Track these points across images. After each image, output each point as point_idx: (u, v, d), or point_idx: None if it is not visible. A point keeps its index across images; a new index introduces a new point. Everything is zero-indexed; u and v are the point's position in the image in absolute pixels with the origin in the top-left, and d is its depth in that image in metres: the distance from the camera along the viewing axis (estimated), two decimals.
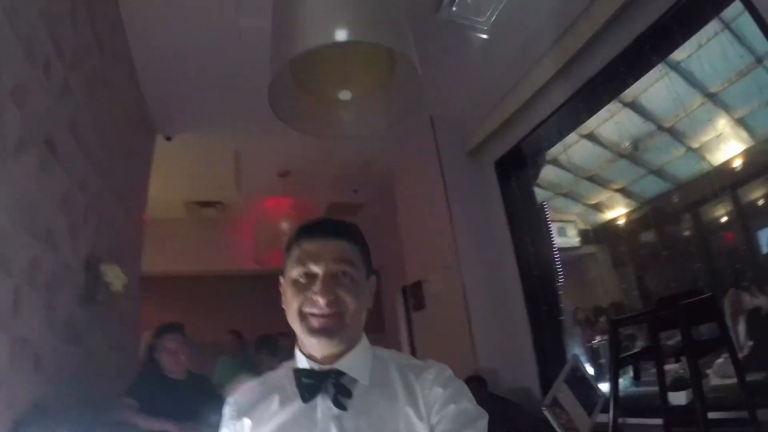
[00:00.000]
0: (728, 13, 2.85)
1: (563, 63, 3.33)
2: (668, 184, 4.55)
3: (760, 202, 3.57)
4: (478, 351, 3.93)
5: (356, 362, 1.06)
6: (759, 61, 2.99)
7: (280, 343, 4.24)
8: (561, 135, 4.03)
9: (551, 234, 4.11)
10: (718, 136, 3.71)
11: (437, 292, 4.53)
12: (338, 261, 1.05)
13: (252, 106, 3.56)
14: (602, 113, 3.91)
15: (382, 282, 6.76)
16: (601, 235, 5.33)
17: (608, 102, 3.65)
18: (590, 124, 4.17)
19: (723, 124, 3.69)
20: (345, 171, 5.47)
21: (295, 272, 1.06)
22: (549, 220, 4.12)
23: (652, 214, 4.70)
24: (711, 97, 3.59)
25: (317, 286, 1.02)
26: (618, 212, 5.03)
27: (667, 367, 2.43)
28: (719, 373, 2.63)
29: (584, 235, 5.21)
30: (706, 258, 3.97)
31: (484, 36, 3.47)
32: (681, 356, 2.33)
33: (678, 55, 3.34)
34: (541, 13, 3.31)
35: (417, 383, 1.05)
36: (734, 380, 2.17)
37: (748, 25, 2.88)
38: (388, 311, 6.91)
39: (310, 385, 1.02)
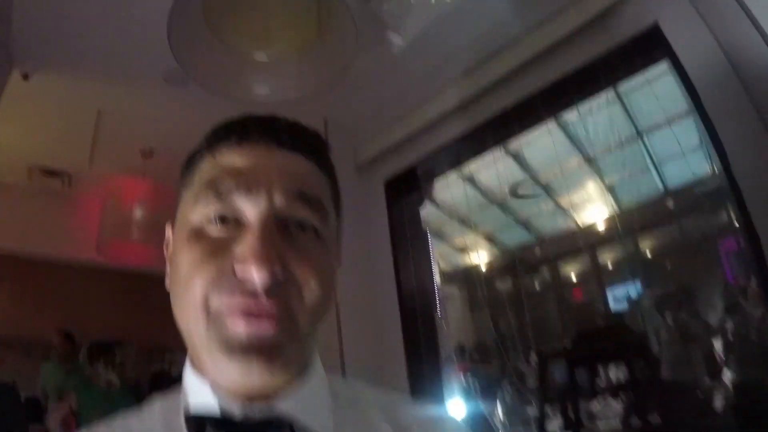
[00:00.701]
0: (623, 86, 3.09)
1: (468, 96, 3.38)
2: (532, 236, 4.82)
3: (610, 266, 3.93)
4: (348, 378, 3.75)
5: (311, 401, 0.54)
6: (639, 135, 3.27)
7: (117, 356, 3.70)
8: (443, 169, 4.10)
9: (433, 265, 4.14)
10: (586, 198, 4.00)
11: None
12: (296, 195, 0.54)
13: (134, 55, 3.23)
14: (486, 159, 4.06)
15: None
16: (462, 278, 5.51)
17: (493, 146, 3.78)
18: (470, 166, 4.31)
19: (593, 187, 3.99)
20: None
21: (198, 212, 0.53)
22: (431, 251, 4.14)
23: (513, 263, 4.94)
24: (589, 161, 3.88)
25: (248, 243, 0.49)
26: (481, 257, 5.24)
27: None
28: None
29: (445, 276, 5.36)
30: (559, 309, 4.23)
31: (401, 43, 3.41)
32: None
33: (567, 115, 3.56)
34: (462, 40, 3.35)
35: (410, 421, 0.60)
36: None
37: (639, 100, 3.18)
38: None
39: None
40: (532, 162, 4.26)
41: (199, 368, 0.53)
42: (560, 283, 4.45)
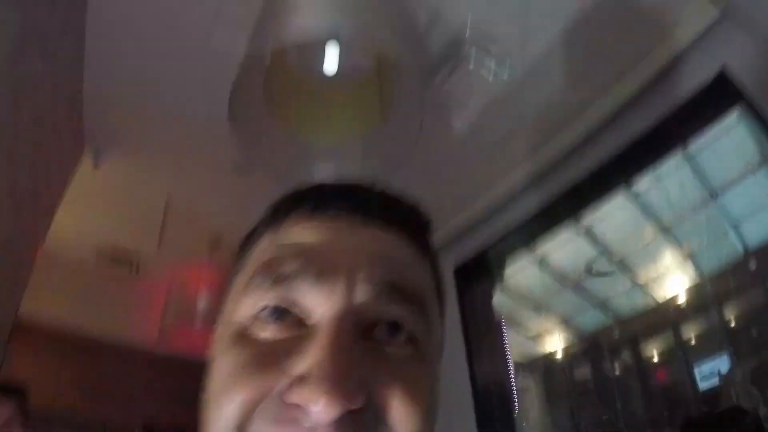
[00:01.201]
0: (692, 146, 3.02)
1: (535, 172, 3.35)
2: (608, 318, 4.58)
3: (694, 341, 3.66)
4: None
5: None
6: (713, 195, 3.15)
7: None
8: (514, 252, 4.02)
9: (508, 354, 3.92)
10: (665, 271, 3.81)
11: None
12: (387, 287, 0.39)
13: (203, 145, 3.33)
14: (558, 239, 3.97)
15: None
16: (535, 367, 5.22)
17: (565, 222, 3.69)
18: (541, 248, 4.22)
19: (670, 258, 3.82)
20: None
21: (249, 305, 0.40)
22: (506, 341, 3.94)
23: (591, 348, 4.67)
24: (664, 230, 3.73)
25: (314, 355, 0.35)
26: (555, 345, 4.98)
27: None
28: None
29: (518, 366, 5.09)
30: (645, 395, 3.91)
31: (462, 125, 3.48)
32: None
33: (638, 185, 3.48)
34: (523, 114, 3.37)
35: None
36: None
37: (709, 158, 3.09)
38: None
39: None
40: (605, 238, 4.14)
41: None
42: (643, 364, 4.13)
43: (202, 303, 4.40)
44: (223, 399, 0.36)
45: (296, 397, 0.33)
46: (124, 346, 5.02)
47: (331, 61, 2.07)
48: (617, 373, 4.28)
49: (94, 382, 4.83)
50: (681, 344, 3.73)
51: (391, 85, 2.25)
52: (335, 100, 2.30)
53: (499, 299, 4.89)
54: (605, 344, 4.53)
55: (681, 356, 3.74)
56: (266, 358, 0.36)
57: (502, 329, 3.96)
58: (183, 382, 5.24)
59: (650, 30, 2.67)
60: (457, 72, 3.07)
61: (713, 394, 3.29)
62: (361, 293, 0.37)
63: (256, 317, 0.39)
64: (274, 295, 0.38)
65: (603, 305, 4.58)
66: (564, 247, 4.21)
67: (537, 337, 5.20)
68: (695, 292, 3.66)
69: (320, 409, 0.32)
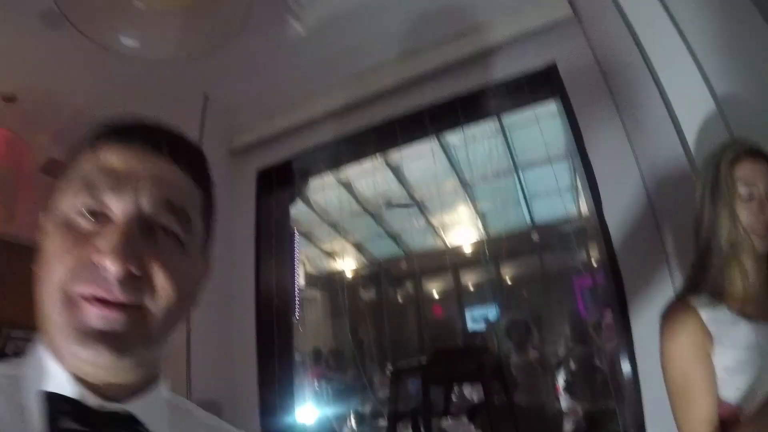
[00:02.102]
0: (508, 120, 3.20)
1: (356, 98, 3.29)
2: (400, 250, 4.88)
3: (471, 287, 4.09)
4: (194, 379, 3.47)
5: (158, 407, 0.58)
6: (515, 168, 3.41)
7: None
8: (320, 169, 4.00)
9: (296, 266, 3.98)
10: (457, 221, 4.11)
11: None
12: (163, 202, 0.55)
13: None
14: (364, 167, 4.03)
15: None
16: (325, 282, 5.44)
17: (374, 154, 3.75)
18: (348, 172, 4.27)
19: (465, 211, 4.12)
20: (80, 123, 4.35)
21: (69, 203, 0.54)
22: (297, 252, 3.98)
23: (378, 273, 4.96)
24: (465, 185, 3.99)
25: (108, 237, 0.51)
26: (347, 265, 5.21)
27: None
28: None
29: (309, 278, 5.26)
30: (419, 324, 4.31)
31: (300, 31, 3.25)
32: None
33: (451, 137, 3.62)
34: (360, 40, 3.27)
35: None
36: None
37: (520, 135, 3.31)
38: None
39: None
40: (410, 177, 4.31)
41: (55, 353, 0.53)
42: (422, 298, 4.55)
43: None
44: (51, 269, 0.52)
45: (97, 262, 0.50)
46: None
47: None
48: (399, 300, 4.63)
49: None
50: (459, 288, 4.13)
51: None
52: None
53: (300, 212, 4.94)
54: (392, 273, 4.84)
55: (456, 298, 4.15)
56: (80, 240, 0.52)
57: (294, 240, 4.02)
58: None
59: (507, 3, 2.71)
60: None
61: (479, 335, 3.74)
62: (144, 204, 0.54)
63: (76, 213, 0.53)
64: (86, 200, 0.53)
65: (396, 238, 4.85)
66: (370, 176, 4.32)
67: (331, 254, 5.38)
68: (480, 246, 4.02)
69: (109, 267, 0.49)
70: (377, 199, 4.74)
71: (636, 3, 1.93)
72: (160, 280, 0.53)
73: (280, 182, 3.92)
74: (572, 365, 3.09)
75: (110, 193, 0.53)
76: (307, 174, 4.00)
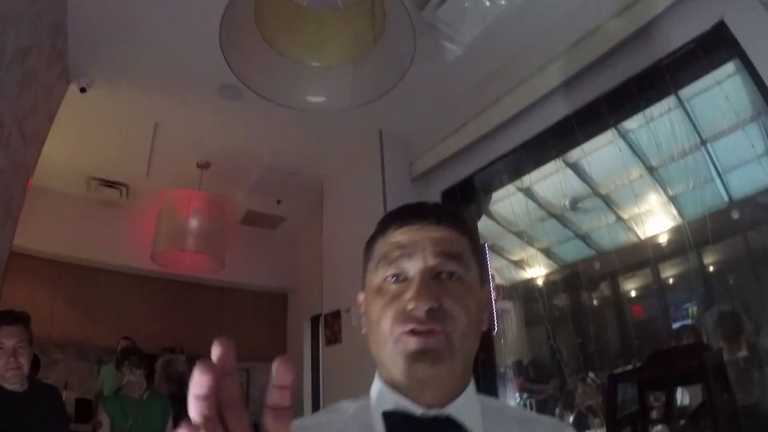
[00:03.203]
0: (685, 92, 2.95)
1: (526, 104, 3.30)
2: (591, 251, 4.66)
3: (671, 280, 3.75)
4: None
5: (470, 409, 0.74)
6: (703, 143, 3.11)
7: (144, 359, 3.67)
8: (501, 181, 4.01)
9: (491, 279, 4.02)
10: (648, 210, 3.83)
11: (359, 325, 4.21)
12: (442, 255, 0.74)
13: (188, 69, 3.36)
14: (543, 169, 3.96)
15: (289, 309, 6.38)
16: (516, 292, 5.38)
17: (555, 157, 3.67)
18: (527, 178, 4.21)
19: (655, 199, 3.82)
20: (271, 176, 4.86)
21: (379, 276, 0.76)
22: (490, 266, 4.02)
23: (571, 277, 4.78)
24: (651, 170, 3.71)
25: (413, 289, 0.71)
26: (537, 272, 5.10)
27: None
28: None
29: (500, 289, 5.24)
30: (619, 326, 4.06)
31: (457, 51, 3.35)
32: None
33: (628, 123, 3.42)
34: (513, 47, 3.28)
35: None
36: None
37: (702, 106, 3.02)
38: (292, 343, 6.16)
39: None
40: (593, 173, 4.13)
41: (387, 381, 0.75)
42: (621, 298, 4.27)
43: (192, 224, 4.44)
44: (380, 322, 0.72)
45: (410, 306, 0.69)
46: (117, 270, 5.10)
47: None
48: (595, 303, 4.41)
49: (88, 308, 4.90)
50: (658, 282, 3.82)
51: (383, 8, 2.19)
52: (327, 23, 2.26)
53: (485, 225, 4.98)
54: (585, 275, 4.64)
55: (657, 294, 3.84)
56: (394, 298, 0.72)
57: (485, 252, 4.04)
58: (172, 301, 5.39)
59: None
60: None
61: (684, 332, 3.41)
62: (429, 260, 0.73)
63: (384, 280, 0.76)
64: (393, 269, 0.75)
65: (585, 237, 4.65)
66: (550, 178, 4.22)
67: (520, 264, 5.32)
68: (676, 233, 3.70)
69: (421, 306, 0.68)
70: (561, 200, 4.61)
71: None
72: (453, 308, 0.70)
73: (464, 199, 4.02)
74: None
75: (405, 260, 0.74)
76: (489, 188, 4.07)
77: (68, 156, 4.23)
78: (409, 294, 0.70)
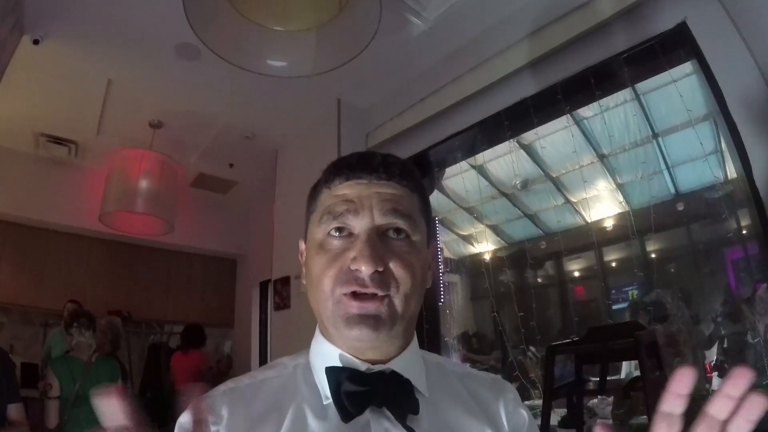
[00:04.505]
0: (641, 86, 3.04)
1: (484, 84, 3.33)
2: (538, 231, 4.81)
3: (614, 265, 3.94)
4: None
5: (412, 365, 0.75)
6: (655, 136, 3.23)
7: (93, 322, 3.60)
8: (455, 158, 4.06)
9: (439, 251, 4.10)
10: (596, 196, 3.97)
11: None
12: (390, 212, 0.71)
13: (146, 25, 3.20)
14: (497, 149, 4.02)
15: (238, 274, 6.32)
16: (464, 266, 5.51)
17: (509, 138, 3.73)
18: (481, 156, 4.28)
19: (604, 186, 3.97)
20: (225, 139, 4.73)
21: (321, 230, 0.72)
22: (438, 238, 4.09)
23: (517, 255, 4.93)
24: (602, 158, 3.84)
25: (357, 249, 0.68)
26: (485, 248, 5.23)
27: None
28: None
29: (448, 263, 5.36)
30: (561, 304, 4.23)
31: (422, 27, 3.32)
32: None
33: (583, 111, 3.51)
34: (478, 28, 3.29)
35: (497, 402, 0.79)
36: None
37: (656, 101, 3.14)
38: (241, 308, 6.13)
39: (354, 393, 0.67)
40: (545, 156, 4.24)
41: (328, 338, 0.75)
42: (565, 278, 4.45)
43: (142, 185, 4.31)
44: (321, 280, 0.69)
45: (354, 266, 0.67)
46: (65, 231, 4.92)
47: None
48: (540, 281, 4.57)
49: (34, 270, 4.73)
50: (602, 266, 3.99)
51: None
52: None
53: (436, 199, 5.05)
54: (531, 254, 4.79)
55: (599, 277, 4.02)
56: (337, 256, 0.69)
57: (435, 225, 4.11)
58: (120, 264, 5.25)
59: None
60: None
61: (624, 314, 3.60)
62: (378, 217, 0.70)
63: (327, 235, 0.72)
64: (337, 223, 0.71)
65: (533, 218, 4.78)
66: (504, 159, 4.30)
67: (469, 239, 5.44)
68: (622, 220, 3.86)
69: (364, 269, 0.66)
70: (513, 180, 4.71)
71: None
72: (399, 272, 0.69)
73: (420, 172, 4.01)
74: (724, 343, 2.88)
75: (350, 216, 0.71)
76: (443, 163, 4.11)
77: (17, 111, 4.00)
78: (352, 253, 0.68)
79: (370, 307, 0.67)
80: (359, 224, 0.70)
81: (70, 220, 4.83)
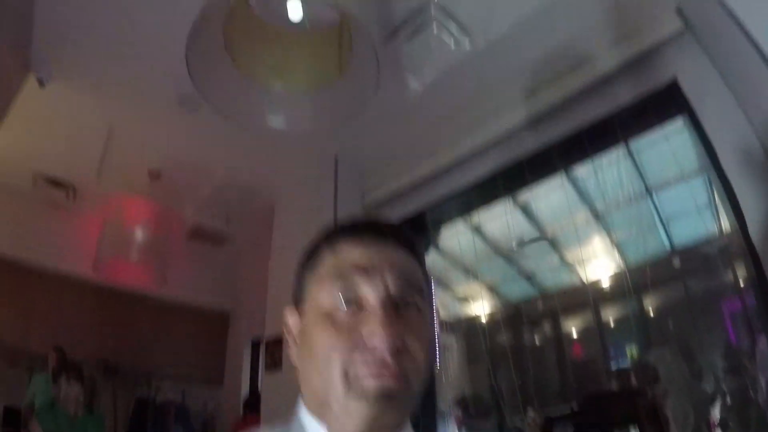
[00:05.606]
0: (634, 143, 3.11)
1: (480, 144, 3.40)
2: (534, 290, 4.78)
3: (612, 323, 3.90)
4: None
5: None
6: (648, 192, 3.27)
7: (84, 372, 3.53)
8: (451, 217, 4.09)
9: (434, 314, 4.04)
10: (592, 254, 3.98)
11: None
12: (404, 282, 0.67)
13: (149, 75, 3.28)
14: (494, 210, 4.06)
15: (230, 330, 6.19)
16: (460, 328, 5.44)
17: (504, 196, 3.78)
18: (477, 216, 4.31)
19: (599, 243, 3.98)
20: (222, 191, 4.70)
21: (327, 295, 0.67)
22: (435, 300, 4.05)
23: (513, 316, 4.88)
24: (597, 216, 3.87)
25: (375, 323, 0.62)
26: (481, 309, 5.18)
27: None
28: None
29: (444, 324, 5.29)
30: (559, 366, 4.16)
31: (418, 87, 3.41)
32: None
33: (578, 170, 3.57)
34: (477, 89, 3.38)
35: None
36: None
37: (649, 157, 3.19)
38: (231, 365, 5.91)
39: None
40: (540, 215, 4.27)
41: (321, 418, 0.66)
42: (562, 338, 4.40)
43: (138, 235, 4.30)
44: (329, 358, 0.62)
45: (370, 343, 0.61)
46: (57, 274, 4.83)
47: (295, 9, 2.08)
48: (537, 342, 4.51)
49: (22, 311, 4.61)
50: (599, 325, 3.96)
51: (350, 40, 2.23)
52: (294, 50, 2.28)
53: (433, 259, 5.04)
54: (528, 314, 4.75)
55: (598, 336, 3.98)
56: (348, 332, 0.63)
57: (431, 286, 4.05)
58: (110, 312, 5.16)
59: (613, 29, 2.70)
60: (420, 35, 3.02)
61: (624, 374, 3.53)
62: (392, 287, 0.65)
63: (333, 306, 0.65)
64: (344, 289, 0.65)
65: (530, 278, 4.77)
66: (499, 218, 4.32)
67: (464, 300, 5.39)
68: (618, 278, 3.86)
69: (381, 346, 0.60)
70: (508, 240, 4.72)
71: (749, 5, 1.84)
72: (415, 347, 0.63)
73: (415, 232, 4.04)
74: (726, 399, 2.82)
75: (363, 283, 0.65)
76: (439, 222, 4.13)
77: (17, 149, 4.02)
78: (368, 327, 0.62)
79: (392, 385, 0.61)
80: (372, 294, 0.65)
81: (63, 265, 4.77)
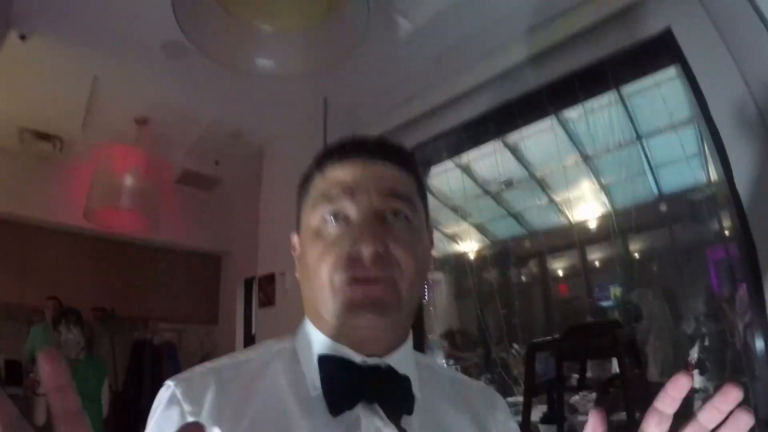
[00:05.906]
0: (626, 88, 3.11)
1: (471, 85, 3.37)
2: (522, 229, 4.87)
3: (598, 264, 4.02)
4: None
5: (408, 362, 0.70)
6: (639, 138, 3.30)
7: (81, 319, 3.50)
8: (440, 157, 4.10)
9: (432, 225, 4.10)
10: (580, 196, 4.04)
11: (293, 288, 4.26)
12: (389, 194, 0.67)
13: (133, 22, 3.17)
14: (482, 148, 4.07)
15: (223, 271, 6.28)
16: (448, 264, 5.56)
17: (493, 138, 3.79)
18: (466, 155, 4.33)
19: (588, 186, 4.04)
20: (210, 136, 4.67)
21: (316, 216, 0.69)
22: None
23: (501, 253, 4.99)
24: (586, 159, 3.91)
25: (356, 232, 0.64)
26: (469, 246, 5.29)
27: None
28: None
29: (432, 261, 5.38)
30: (544, 303, 4.30)
31: (409, 28, 3.33)
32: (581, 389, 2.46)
33: (568, 113, 3.57)
34: (469, 30, 3.31)
35: (488, 411, 0.77)
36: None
37: (641, 103, 3.20)
38: (225, 303, 6.06)
39: (347, 385, 0.63)
40: (530, 157, 4.29)
41: (323, 328, 0.69)
42: (547, 277, 4.53)
43: (127, 182, 4.27)
44: (318, 269, 0.65)
45: (353, 253, 0.63)
46: (50, 227, 4.86)
47: None
48: (522, 279, 4.64)
49: (17, 266, 4.66)
50: (585, 265, 4.07)
51: None
52: None
53: None
54: (515, 252, 4.85)
55: (582, 275, 4.10)
56: (333, 244, 0.65)
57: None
58: (104, 260, 5.20)
59: None
60: None
61: (607, 312, 3.68)
62: (375, 200, 0.66)
63: (322, 222, 0.68)
64: (332, 208, 0.67)
65: (518, 217, 4.85)
66: (490, 157, 4.35)
67: (453, 237, 5.49)
68: (605, 220, 3.94)
69: (365, 249, 0.62)
70: (497, 179, 4.77)
71: None
72: (400, 254, 0.64)
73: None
74: (704, 342, 2.97)
75: (346, 199, 0.67)
76: (429, 162, 4.14)
77: (1, 105, 3.95)
78: (351, 237, 0.64)
79: (375, 291, 0.62)
80: (356, 208, 0.66)
81: (55, 217, 4.77)
